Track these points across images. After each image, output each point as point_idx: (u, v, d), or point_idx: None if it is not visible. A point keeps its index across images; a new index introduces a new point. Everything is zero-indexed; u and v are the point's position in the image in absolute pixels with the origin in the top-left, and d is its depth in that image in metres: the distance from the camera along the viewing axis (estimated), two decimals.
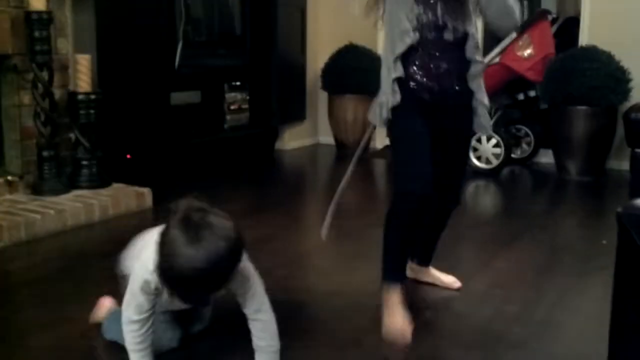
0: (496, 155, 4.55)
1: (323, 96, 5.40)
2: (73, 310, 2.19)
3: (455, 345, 2.00)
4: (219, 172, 4.41)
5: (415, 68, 2.01)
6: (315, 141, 5.60)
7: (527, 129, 4.87)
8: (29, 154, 3.32)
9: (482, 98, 2.12)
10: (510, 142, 4.66)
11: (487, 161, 4.56)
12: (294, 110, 5.34)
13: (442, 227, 2.34)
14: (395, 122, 2.04)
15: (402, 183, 2.02)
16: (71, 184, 3.39)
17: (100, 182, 3.45)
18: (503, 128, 4.69)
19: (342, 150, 5.27)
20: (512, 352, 1.93)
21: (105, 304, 2.05)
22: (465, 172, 2.29)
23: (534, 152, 4.90)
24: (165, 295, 1.65)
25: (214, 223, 1.46)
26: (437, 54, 2.01)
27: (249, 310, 1.69)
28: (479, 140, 4.53)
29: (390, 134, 2.15)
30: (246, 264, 1.64)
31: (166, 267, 1.47)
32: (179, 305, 1.78)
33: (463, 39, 2.03)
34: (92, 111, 3.40)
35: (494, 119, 4.60)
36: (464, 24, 2.02)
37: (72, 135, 3.44)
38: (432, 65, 2.01)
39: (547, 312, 2.22)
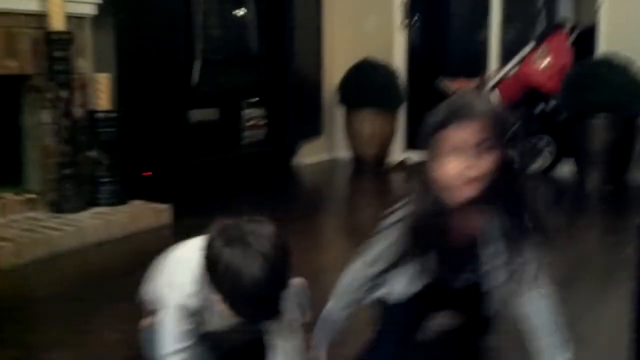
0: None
1: (339, 111, 5.42)
2: (93, 328, 2.20)
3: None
4: (236, 188, 4.42)
5: None
6: (332, 156, 5.61)
7: (546, 141, 4.83)
8: (49, 172, 3.36)
9: None
10: (529, 154, 4.63)
11: None
12: (311, 125, 5.35)
13: None
14: None
15: None
16: (91, 202, 3.42)
17: (119, 199, 3.47)
18: (522, 140, 4.65)
19: (359, 164, 5.27)
20: None
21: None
22: None
23: (554, 164, 4.86)
24: (205, 316, 1.62)
25: (252, 228, 1.48)
26: None
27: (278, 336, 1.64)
28: None
29: None
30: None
31: (227, 286, 1.46)
32: (222, 324, 1.70)
33: None
34: (111, 129, 3.44)
35: (513, 132, 4.57)
36: None
37: (92, 154, 3.47)
38: None
39: (569, 327, 2.19)
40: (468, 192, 1.50)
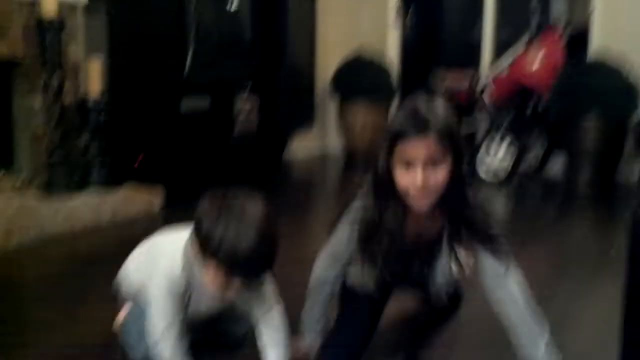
0: (504, 166, 4.54)
1: (332, 103, 5.42)
2: (84, 311, 2.20)
3: (462, 348, 2.01)
4: (227, 179, 4.40)
5: None
6: (324, 148, 5.61)
7: (536, 140, 4.85)
8: (40, 157, 3.34)
9: None
10: (519, 153, 4.65)
11: (494, 173, 4.55)
12: (303, 117, 5.35)
13: None
14: None
15: None
16: (81, 187, 3.41)
17: (110, 184, 3.46)
18: (511, 140, 4.68)
19: (351, 157, 5.28)
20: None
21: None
22: None
23: (544, 162, 4.88)
24: (196, 291, 1.63)
25: (240, 199, 1.53)
26: None
27: (259, 312, 1.68)
28: (487, 150, 4.53)
29: None
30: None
31: (222, 256, 1.48)
32: (208, 305, 1.72)
33: None
34: (102, 115, 3.43)
35: (502, 131, 4.60)
36: None
37: (83, 139, 3.46)
38: None
39: (556, 319, 2.21)
40: (422, 201, 1.56)
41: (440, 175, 1.53)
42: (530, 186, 4.68)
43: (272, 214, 1.54)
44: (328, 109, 5.51)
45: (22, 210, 3.05)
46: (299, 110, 5.29)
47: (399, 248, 1.65)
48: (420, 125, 1.50)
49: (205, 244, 1.50)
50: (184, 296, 1.63)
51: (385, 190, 1.58)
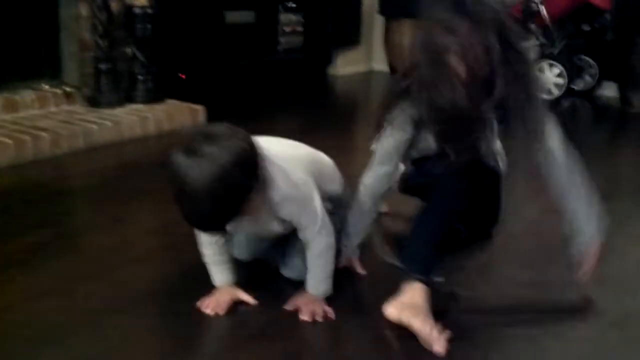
0: (558, 86, 4.40)
1: (378, 21, 5.28)
2: (129, 214, 2.24)
3: (508, 263, 1.99)
4: (271, 93, 4.38)
5: None
6: (368, 67, 5.51)
7: (591, 60, 4.67)
8: (87, 67, 3.35)
9: None
10: (573, 73, 4.49)
11: (548, 91, 4.42)
12: (349, 34, 5.24)
13: None
14: None
15: None
16: (127, 98, 3.43)
17: (155, 97, 3.47)
18: (566, 58, 4.51)
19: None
20: (568, 273, 1.90)
21: None
22: None
23: (597, 85, 4.71)
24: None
25: (215, 140, 1.40)
26: None
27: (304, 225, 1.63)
28: (540, 69, 4.38)
29: None
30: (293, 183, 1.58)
31: (176, 191, 1.42)
32: (247, 229, 1.71)
33: None
34: (148, 26, 3.40)
35: (558, 48, 4.43)
36: None
37: (128, 50, 3.45)
38: None
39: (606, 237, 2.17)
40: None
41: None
42: (583, 106, 4.53)
43: (240, 160, 1.41)
44: (374, 27, 5.37)
45: (69, 120, 3.10)
46: (345, 27, 5.18)
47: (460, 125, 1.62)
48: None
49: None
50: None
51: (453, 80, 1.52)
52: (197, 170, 1.37)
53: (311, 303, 1.63)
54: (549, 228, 2.20)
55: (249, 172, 1.44)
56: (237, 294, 1.66)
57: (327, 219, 1.65)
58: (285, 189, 1.55)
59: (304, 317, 1.61)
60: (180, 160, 1.39)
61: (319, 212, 1.62)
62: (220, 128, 1.45)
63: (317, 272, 1.66)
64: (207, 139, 1.40)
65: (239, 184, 1.42)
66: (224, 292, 1.66)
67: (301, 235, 1.65)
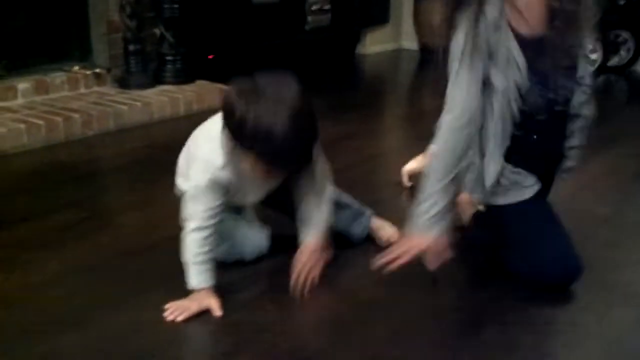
0: (592, 62, 4.30)
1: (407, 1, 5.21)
2: (159, 194, 2.25)
3: None
4: (299, 73, 4.34)
5: None
6: (397, 46, 5.44)
7: (627, 35, 4.55)
8: (116, 48, 3.37)
9: None
10: (608, 49, 4.38)
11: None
12: (377, 12, 5.17)
13: None
14: None
15: None
16: (156, 79, 3.43)
17: (184, 78, 3.47)
18: (601, 33, 4.39)
19: (426, 55, 5.10)
20: (603, 251, 1.86)
21: None
22: None
23: (633, 60, 4.59)
24: (238, 186, 1.57)
25: (270, 82, 1.44)
26: None
27: (307, 190, 1.65)
28: None
29: None
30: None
31: (260, 144, 1.40)
32: (253, 197, 1.70)
33: None
34: (175, 6, 3.40)
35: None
36: None
37: (157, 30, 3.45)
38: None
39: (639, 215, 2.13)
40: None
41: None
42: (618, 82, 4.42)
43: (307, 98, 1.45)
44: (404, 5, 5.29)
45: (99, 101, 3.12)
46: (373, 5, 5.11)
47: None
48: None
49: (239, 134, 1.42)
50: (225, 188, 1.55)
51: None
52: (282, 106, 1.40)
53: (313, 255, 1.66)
54: (584, 207, 2.16)
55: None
56: (207, 303, 1.56)
57: None
58: None
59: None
60: (260, 107, 1.39)
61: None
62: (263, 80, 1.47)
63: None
64: (268, 87, 1.43)
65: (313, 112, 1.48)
66: (195, 299, 1.56)
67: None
